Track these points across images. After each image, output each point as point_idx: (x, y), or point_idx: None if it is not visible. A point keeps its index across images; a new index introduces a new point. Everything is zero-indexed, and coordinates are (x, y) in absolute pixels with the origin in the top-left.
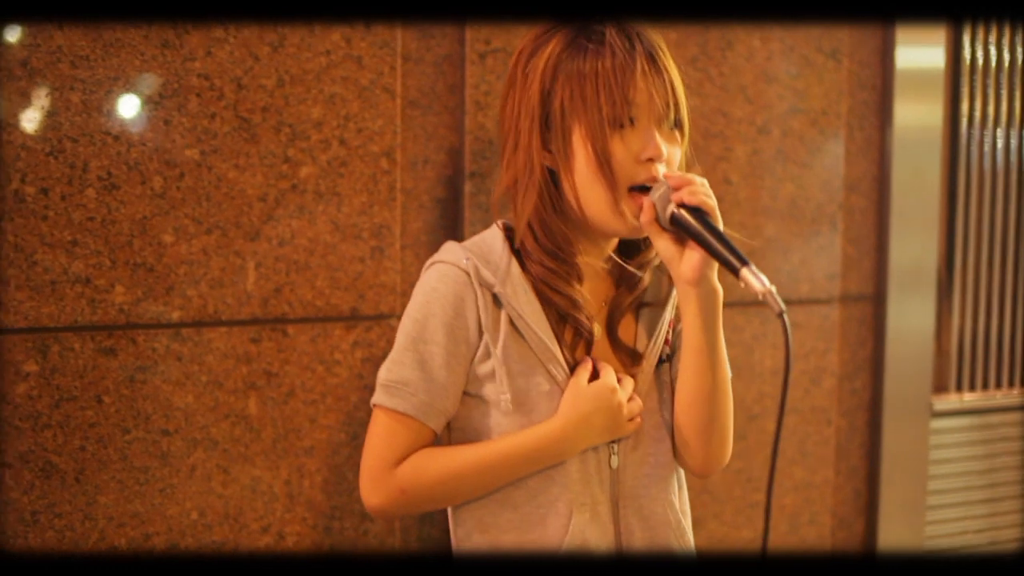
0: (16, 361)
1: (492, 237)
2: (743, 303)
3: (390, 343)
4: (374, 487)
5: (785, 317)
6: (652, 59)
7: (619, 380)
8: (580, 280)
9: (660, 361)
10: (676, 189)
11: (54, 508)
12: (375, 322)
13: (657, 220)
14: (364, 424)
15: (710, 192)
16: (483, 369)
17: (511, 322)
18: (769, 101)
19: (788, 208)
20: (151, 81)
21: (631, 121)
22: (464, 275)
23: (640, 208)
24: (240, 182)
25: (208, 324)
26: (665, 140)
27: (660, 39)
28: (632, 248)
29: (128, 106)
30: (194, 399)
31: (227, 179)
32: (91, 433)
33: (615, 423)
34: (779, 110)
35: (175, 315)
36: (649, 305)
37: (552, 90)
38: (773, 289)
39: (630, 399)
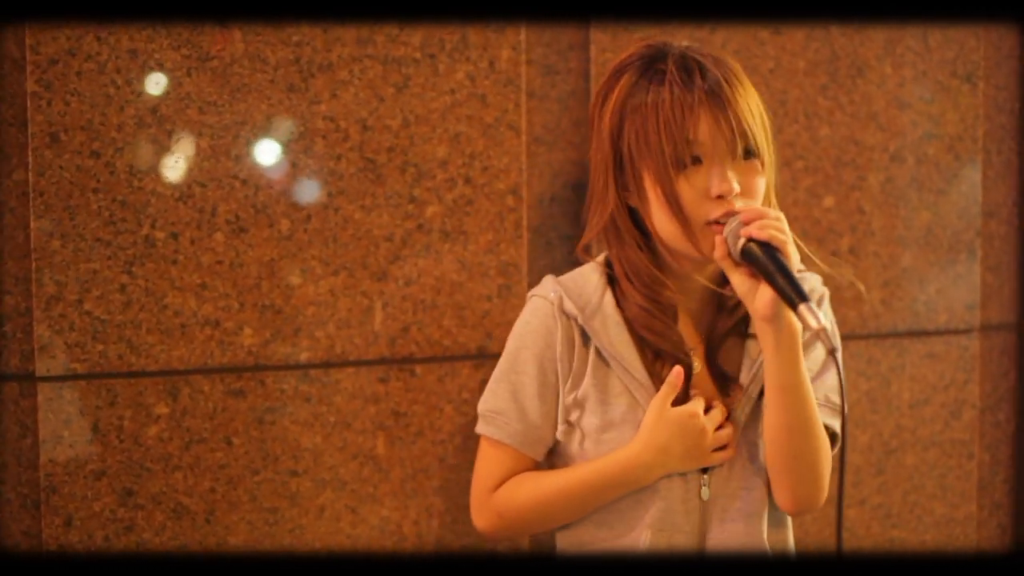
0: (147, 404)
1: (590, 270)
2: (879, 335)
3: None
4: (477, 511)
5: (837, 356)
6: (713, 93)
7: (709, 408)
8: (675, 317)
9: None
10: (746, 223)
11: (185, 549)
12: None
13: (730, 255)
14: None
15: (782, 227)
16: (571, 398)
17: (599, 353)
18: (902, 128)
19: (924, 236)
20: (277, 125)
21: (696, 160)
22: (551, 307)
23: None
24: (366, 223)
25: (336, 365)
26: (739, 172)
27: (730, 65)
28: None
29: (255, 150)
30: (323, 440)
31: (353, 220)
32: (221, 474)
33: (697, 450)
34: (913, 137)
35: (303, 356)
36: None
37: (620, 132)
38: (828, 327)
39: (720, 427)
